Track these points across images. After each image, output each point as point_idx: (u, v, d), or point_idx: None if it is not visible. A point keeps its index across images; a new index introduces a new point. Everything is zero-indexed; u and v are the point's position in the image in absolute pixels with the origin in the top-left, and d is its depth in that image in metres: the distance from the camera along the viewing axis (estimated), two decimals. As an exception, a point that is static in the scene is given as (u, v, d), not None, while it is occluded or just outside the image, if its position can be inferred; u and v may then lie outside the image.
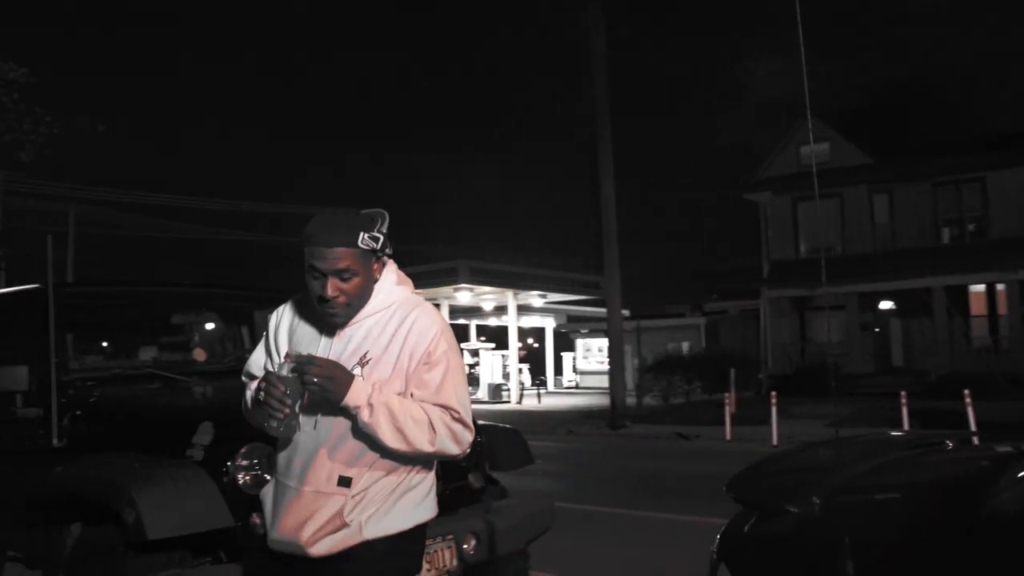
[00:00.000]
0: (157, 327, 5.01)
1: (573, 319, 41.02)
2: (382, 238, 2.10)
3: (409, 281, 2.25)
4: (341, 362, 2.08)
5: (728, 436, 14.43)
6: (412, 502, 2.14)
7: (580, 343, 39.80)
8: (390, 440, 2.01)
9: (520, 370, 32.96)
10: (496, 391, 30.63)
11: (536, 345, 44.27)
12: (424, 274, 29.88)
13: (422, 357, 2.09)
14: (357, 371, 2.06)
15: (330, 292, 2.05)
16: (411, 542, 2.15)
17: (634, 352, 26.40)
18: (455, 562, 3.32)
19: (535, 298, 33.03)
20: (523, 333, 40.23)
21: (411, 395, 2.10)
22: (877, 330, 24.47)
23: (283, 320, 2.29)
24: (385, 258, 2.17)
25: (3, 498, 4.13)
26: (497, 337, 36.55)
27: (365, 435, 2.03)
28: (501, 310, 33.46)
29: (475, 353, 34.92)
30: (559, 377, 41.57)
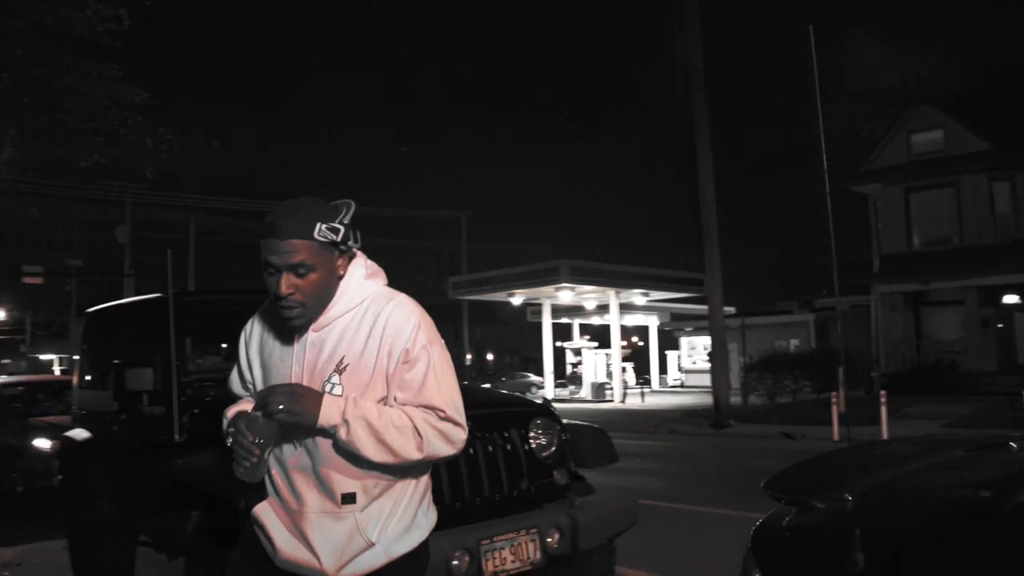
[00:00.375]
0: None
1: (677, 317, 40.56)
2: (343, 230, 1.91)
3: (382, 272, 2.06)
4: (316, 371, 1.95)
5: (835, 436, 14.06)
6: (423, 512, 2.06)
7: (684, 341, 39.31)
8: (374, 454, 1.87)
9: (623, 369, 32.86)
10: (599, 390, 30.68)
11: (641, 343, 43.98)
12: (525, 274, 30.20)
13: (400, 355, 1.92)
14: (335, 379, 1.93)
15: (284, 289, 1.89)
16: (424, 553, 2.07)
17: (740, 350, 25.95)
18: (539, 555, 3.47)
19: (637, 296, 32.86)
20: (627, 331, 40.03)
21: (395, 398, 1.95)
22: (1000, 326, 23.21)
23: (253, 333, 2.13)
24: (353, 251, 2.00)
25: (135, 488, 4.54)
26: (601, 336, 36.52)
27: None
28: (603, 309, 33.44)
29: (577, 352, 35.01)
30: (664, 376, 41.19)
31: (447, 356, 2.01)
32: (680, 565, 5.64)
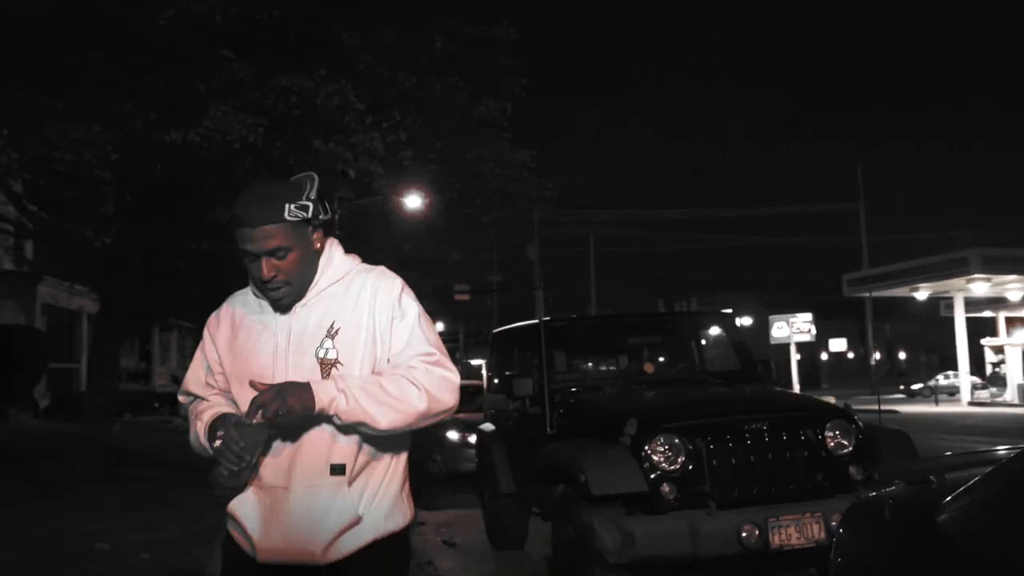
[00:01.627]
0: (619, 346, 6.59)
1: None
2: (312, 205, 1.95)
3: (356, 255, 2.12)
4: (305, 339, 1.98)
5: None
6: (405, 494, 2.07)
7: None
8: (381, 416, 1.89)
9: (1063, 368, 28.68)
10: (1026, 392, 27.26)
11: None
12: (928, 267, 28.07)
13: (390, 311, 1.99)
14: (328, 343, 1.96)
15: (266, 273, 1.93)
16: (407, 543, 2.09)
17: None
18: (823, 535, 4.11)
19: (1076, 284, 28.54)
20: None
21: (386, 359, 1.99)
22: None
23: (221, 323, 2.12)
24: (322, 231, 2.03)
25: (523, 469, 5.97)
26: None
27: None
28: (1032, 300, 29.58)
29: (998, 350, 31.33)
30: None
31: (427, 316, 2.08)
32: None
